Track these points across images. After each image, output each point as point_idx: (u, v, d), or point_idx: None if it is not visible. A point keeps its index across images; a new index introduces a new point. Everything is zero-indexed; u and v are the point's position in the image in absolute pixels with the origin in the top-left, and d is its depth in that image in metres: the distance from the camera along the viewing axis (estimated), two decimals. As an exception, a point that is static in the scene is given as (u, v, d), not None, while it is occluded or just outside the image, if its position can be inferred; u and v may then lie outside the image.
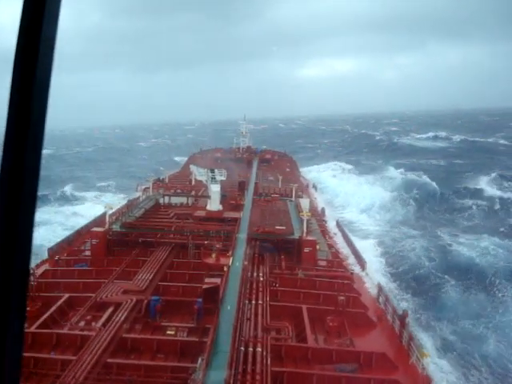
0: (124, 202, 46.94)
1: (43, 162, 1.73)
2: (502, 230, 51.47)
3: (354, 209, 62.61)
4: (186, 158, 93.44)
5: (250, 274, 27.72)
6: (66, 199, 71.12)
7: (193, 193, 50.41)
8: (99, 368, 17.78)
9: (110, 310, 23.17)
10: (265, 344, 19.33)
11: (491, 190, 69.79)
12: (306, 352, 20.54)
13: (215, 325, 19.89)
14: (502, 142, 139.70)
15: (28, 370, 17.76)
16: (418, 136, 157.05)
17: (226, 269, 26.07)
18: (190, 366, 18.05)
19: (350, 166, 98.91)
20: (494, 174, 79.71)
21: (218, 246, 28.49)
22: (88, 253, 33.43)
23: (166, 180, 60.12)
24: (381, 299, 26.97)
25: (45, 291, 25.81)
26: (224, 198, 42.00)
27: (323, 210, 52.05)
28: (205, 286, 23.02)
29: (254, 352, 18.58)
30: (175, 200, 46.84)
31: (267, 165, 78.78)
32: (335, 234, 44.11)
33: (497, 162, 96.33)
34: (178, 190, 53.19)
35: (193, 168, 53.72)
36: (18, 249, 1.70)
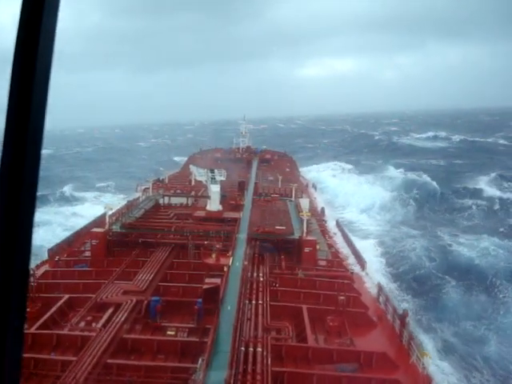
0: (124, 203, 46.91)
1: (43, 162, 1.73)
2: (501, 230, 51.49)
3: (354, 209, 62.58)
4: (185, 158, 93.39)
5: (250, 274, 27.72)
6: (65, 200, 71.09)
7: (193, 193, 50.39)
8: (99, 369, 17.77)
9: (110, 310, 23.16)
10: (265, 344, 19.32)
11: (491, 190, 69.82)
12: (306, 352, 20.53)
13: (215, 325, 19.89)
14: (501, 141, 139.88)
15: (28, 371, 17.76)
16: (418, 136, 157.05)
17: (226, 269, 26.06)
18: (191, 367, 18.05)
19: (349, 166, 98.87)
20: (493, 174, 79.76)
21: (217, 246, 28.47)
22: (88, 253, 33.42)
23: (166, 180, 60.09)
24: (381, 299, 26.97)
25: (45, 292, 25.79)
26: (224, 199, 41.99)
27: (323, 209, 52.04)
28: (205, 287, 23.03)
29: (255, 352, 18.58)
30: (175, 200, 46.85)
31: (267, 165, 78.76)
32: (335, 233, 44.10)
33: (496, 162, 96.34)
34: (178, 191, 53.16)
35: (192, 168, 53.71)
36: (17, 249, 1.70)
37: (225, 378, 15.98)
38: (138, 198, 48.90)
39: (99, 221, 39.06)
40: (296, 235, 33.41)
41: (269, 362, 17.94)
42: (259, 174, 67.31)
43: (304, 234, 32.93)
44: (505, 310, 32.22)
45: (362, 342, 22.12)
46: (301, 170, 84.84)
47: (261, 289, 25.68)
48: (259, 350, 18.75)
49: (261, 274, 28.01)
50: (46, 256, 32.78)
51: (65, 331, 21.95)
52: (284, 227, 34.96)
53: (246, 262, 28.47)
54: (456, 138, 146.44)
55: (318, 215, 47.97)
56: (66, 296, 25.33)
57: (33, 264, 29.75)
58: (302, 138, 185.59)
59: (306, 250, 31.75)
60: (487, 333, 29.14)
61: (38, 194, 1.75)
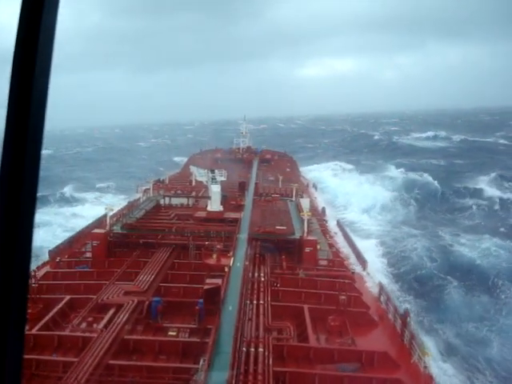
0: (124, 204, 46.95)
1: (43, 162, 1.73)
2: (502, 230, 51.34)
3: (356, 209, 62.49)
4: (185, 159, 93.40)
5: (251, 274, 27.71)
6: (65, 200, 71.04)
7: (193, 194, 50.43)
8: (101, 369, 17.77)
9: (112, 311, 23.16)
10: (266, 344, 19.32)
11: (492, 190, 69.79)
12: (307, 352, 20.52)
13: (217, 325, 19.89)
14: (502, 141, 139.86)
15: (30, 372, 17.76)
16: (418, 135, 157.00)
17: (227, 269, 26.06)
18: (192, 367, 18.03)
19: (350, 166, 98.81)
20: (494, 174, 79.71)
21: (218, 246, 28.48)
22: (89, 254, 33.39)
23: (167, 181, 60.14)
24: (382, 298, 26.96)
25: (46, 293, 25.81)
26: (224, 199, 42.00)
27: (324, 209, 52.04)
28: (206, 287, 23.02)
29: (256, 352, 18.58)
30: (176, 201, 46.84)
31: (267, 165, 78.78)
32: (336, 233, 44.12)
33: (497, 162, 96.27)
34: (179, 191, 53.15)
35: (193, 169, 53.76)
36: (18, 251, 1.69)
37: (226, 378, 15.99)
38: (138, 199, 48.93)
39: (100, 222, 39.09)
40: (297, 235, 33.41)
41: (270, 362, 17.94)
42: (260, 174, 67.34)
43: (305, 234, 32.91)
44: (507, 310, 32.02)
45: (364, 341, 22.11)
46: (301, 169, 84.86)
47: (262, 289, 25.68)
48: (261, 350, 18.75)
49: (262, 274, 28.01)
50: (46, 257, 32.81)
51: (66, 332, 21.95)
52: (285, 227, 34.96)
53: (246, 263, 28.47)
54: (456, 137, 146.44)
55: (318, 215, 47.97)
56: (68, 297, 25.32)
57: (34, 265, 29.80)
58: (302, 137, 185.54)
59: (307, 249, 31.74)
60: (489, 334, 28.96)
61: (38, 194, 1.74)
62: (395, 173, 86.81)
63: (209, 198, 40.99)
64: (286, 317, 23.68)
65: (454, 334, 29.07)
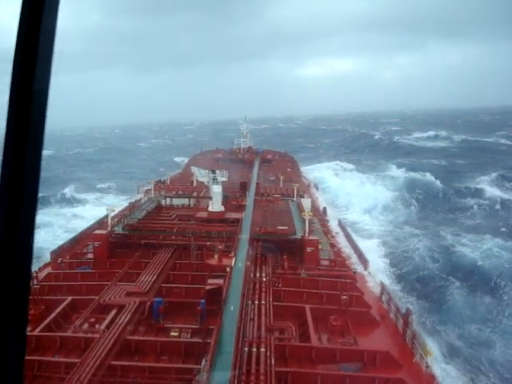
0: (126, 204, 46.96)
1: (43, 162, 1.72)
2: (504, 230, 51.20)
3: (357, 209, 62.40)
4: (185, 159, 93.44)
5: (252, 274, 27.72)
6: (66, 201, 71.06)
7: (194, 194, 50.45)
8: (103, 370, 17.77)
9: (114, 312, 23.17)
10: (268, 344, 19.31)
11: (492, 190, 69.75)
12: (309, 352, 20.50)
13: (219, 326, 19.89)
14: (502, 141, 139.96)
15: (32, 373, 17.76)
16: (419, 135, 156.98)
17: (228, 270, 26.03)
18: (194, 367, 18.02)
19: (351, 166, 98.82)
20: (495, 174, 79.76)
21: (220, 246, 28.49)
22: (90, 255, 33.40)
23: (168, 182, 60.16)
24: (384, 298, 26.92)
25: (48, 294, 25.82)
26: (226, 199, 41.98)
27: (325, 209, 51.99)
28: (208, 287, 22.98)
29: (258, 352, 18.57)
30: (177, 201, 46.85)
31: (268, 165, 78.77)
32: (337, 233, 44.08)
33: (498, 162, 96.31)
34: (180, 192, 53.16)
35: (194, 169, 53.78)
36: (19, 251, 1.69)
37: (228, 378, 15.98)
38: (139, 200, 48.92)
39: (101, 223, 39.11)
40: (298, 235, 33.41)
41: (272, 362, 17.93)
42: (261, 174, 67.39)
43: (306, 234, 32.90)
44: (510, 312, 31.83)
45: (366, 341, 22.09)
46: (302, 169, 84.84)
47: (263, 289, 25.67)
48: (262, 350, 18.73)
49: (263, 275, 28.01)
50: (48, 258, 32.83)
51: (68, 333, 21.97)
52: (286, 227, 34.96)
53: (248, 263, 28.45)
54: (457, 137, 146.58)
55: (319, 215, 47.91)
56: (69, 298, 25.34)
57: (35, 266, 29.83)
58: (303, 137, 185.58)
59: (309, 249, 31.72)
60: (492, 335, 28.78)
61: (39, 195, 1.74)
62: (396, 172, 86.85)
63: (210, 198, 40.98)
64: (287, 317, 23.68)
65: (456, 336, 28.89)
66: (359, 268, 33.38)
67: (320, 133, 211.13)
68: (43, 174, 1.73)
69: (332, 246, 36.78)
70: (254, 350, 18.76)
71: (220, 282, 23.68)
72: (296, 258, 32.14)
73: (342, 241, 41.34)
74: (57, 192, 73.63)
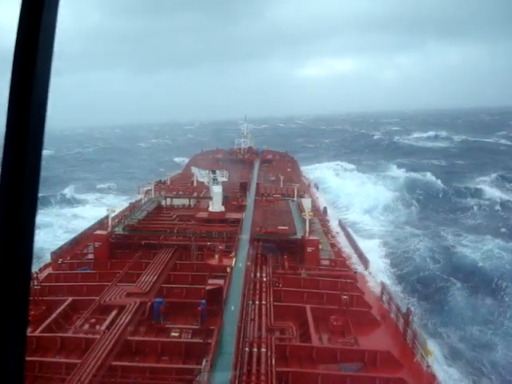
0: (126, 205, 46.98)
1: (43, 162, 1.72)
2: (503, 230, 51.16)
3: (358, 209, 62.36)
4: (186, 159, 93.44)
5: (253, 274, 27.71)
6: (66, 201, 71.02)
7: (195, 194, 50.45)
8: (104, 371, 17.77)
9: (114, 312, 23.16)
10: (269, 344, 19.30)
11: (492, 191, 69.75)
12: (310, 352, 20.50)
13: (219, 326, 19.89)
14: (502, 141, 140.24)
15: (33, 374, 17.76)
16: (419, 135, 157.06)
17: (229, 270, 26.05)
18: (195, 368, 18.01)
19: (352, 166, 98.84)
20: (494, 175, 79.84)
21: (220, 247, 28.49)
22: (91, 256, 33.42)
23: (168, 182, 60.17)
24: (384, 298, 26.91)
25: (48, 295, 25.84)
26: (226, 199, 41.98)
27: (325, 209, 51.99)
28: (208, 288, 22.98)
29: (259, 352, 18.55)
30: (177, 202, 46.87)
31: (268, 165, 78.77)
32: (337, 233, 44.07)
33: (498, 162, 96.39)
34: (180, 192, 53.18)
35: (194, 169, 53.82)
36: (19, 252, 1.69)
37: (229, 378, 15.98)
38: (140, 200, 48.92)
39: (102, 223, 39.12)
40: (298, 235, 33.42)
41: (273, 362, 17.92)
42: (261, 174, 67.39)
43: (306, 234, 32.90)
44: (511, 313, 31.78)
45: (366, 341, 22.08)
46: (302, 169, 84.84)
47: (264, 289, 25.66)
48: (263, 350, 18.72)
49: (264, 275, 27.99)
50: (48, 259, 32.84)
51: (69, 334, 21.96)
52: (286, 227, 34.96)
53: (248, 263, 28.45)
54: (457, 137, 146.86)
55: (320, 215, 47.91)
56: (70, 299, 25.35)
57: (36, 267, 29.85)
58: (303, 137, 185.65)
59: (309, 249, 31.72)
60: (494, 337, 28.66)
61: (39, 195, 1.73)
62: (397, 172, 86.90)
63: (210, 198, 40.98)
64: (288, 317, 23.67)
65: (458, 338, 28.78)
66: (360, 268, 33.37)
67: (320, 133, 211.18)
68: (43, 174, 1.73)
69: (332, 245, 36.78)
70: (255, 350, 18.74)
71: (220, 282, 23.67)
72: (296, 257, 32.14)
73: (342, 241, 41.33)
74: (57, 192, 73.57)
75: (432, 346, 23.47)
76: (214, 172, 42.45)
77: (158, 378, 18.22)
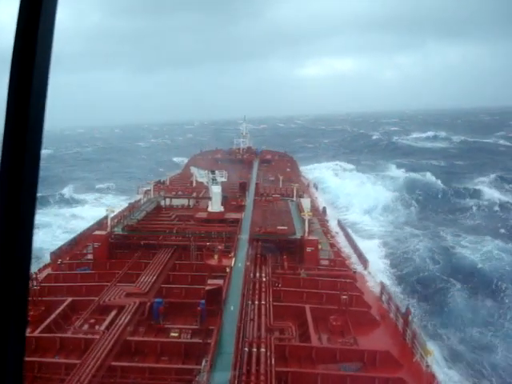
0: (125, 205, 46.97)
1: (42, 162, 1.71)
2: (503, 231, 51.12)
3: (357, 210, 62.32)
4: (185, 159, 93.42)
5: (252, 274, 27.70)
6: (65, 201, 70.85)
7: (194, 194, 50.45)
8: (103, 371, 17.77)
9: (114, 313, 23.15)
10: (268, 344, 19.29)
11: (491, 192, 69.73)
12: (309, 352, 20.50)
13: (219, 326, 19.88)
14: (502, 141, 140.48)
15: (32, 375, 17.76)
16: (418, 136, 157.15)
17: (228, 270, 26.04)
18: (195, 368, 18.02)
19: (351, 166, 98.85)
20: (493, 176, 79.88)
21: (220, 247, 28.46)
22: (90, 256, 33.41)
23: (167, 182, 60.17)
24: (384, 297, 26.92)
25: (48, 295, 25.83)
26: (225, 199, 41.97)
27: (324, 209, 52.02)
28: (207, 288, 23.00)
29: (258, 352, 18.55)
30: (176, 202, 46.87)
31: (268, 165, 78.78)
32: (337, 233, 44.11)
33: (497, 163, 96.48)
34: (180, 192, 53.19)
35: (193, 170, 53.78)
36: (18, 252, 1.68)
37: (229, 378, 15.98)
38: (139, 200, 48.93)
39: (101, 223, 39.11)
40: (298, 235, 33.41)
41: (272, 362, 17.92)
42: (260, 174, 67.37)
43: (306, 234, 32.91)
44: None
45: (366, 340, 22.08)
46: (301, 169, 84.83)
47: (263, 289, 25.66)
48: (263, 350, 18.72)
49: (263, 275, 27.99)
50: (47, 259, 32.82)
51: (68, 334, 21.95)
52: (286, 227, 34.96)
53: (248, 263, 28.45)
54: (456, 138, 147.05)
55: (319, 215, 47.94)
56: (69, 299, 25.33)
57: (35, 267, 29.83)
58: (302, 137, 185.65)
59: (308, 249, 31.73)
60: (494, 339, 28.56)
61: (38, 195, 1.73)
62: (396, 172, 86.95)
63: (209, 198, 40.97)
64: (287, 317, 23.67)
65: (458, 340, 28.69)
66: (359, 268, 33.39)
67: (319, 133, 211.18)
68: (42, 174, 1.72)
69: (332, 245, 36.79)
70: (254, 350, 18.75)
71: (220, 282, 23.68)
72: (296, 257, 32.14)
73: (341, 241, 41.37)
74: (56, 192, 73.38)
75: (432, 347, 23.50)
76: (213, 172, 42.43)
77: (158, 378, 18.22)
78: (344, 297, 24.18)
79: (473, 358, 26.70)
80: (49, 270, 30.67)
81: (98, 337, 20.29)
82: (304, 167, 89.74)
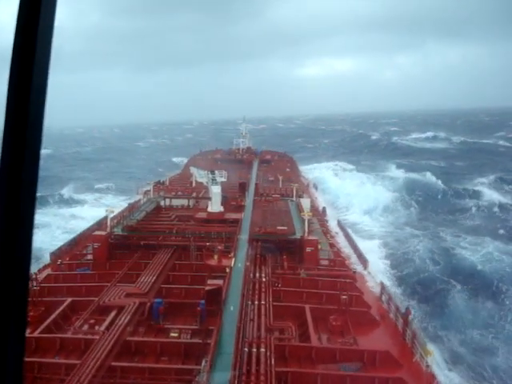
0: (125, 205, 46.96)
1: (42, 162, 1.71)
2: (502, 232, 51.09)
3: (357, 210, 62.31)
4: (184, 159, 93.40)
5: (252, 274, 27.69)
6: (65, 201, 70.76)
7: (194, 195, 50.44)
8: (103, 371, 17.76)
9: (113, 313, 23.15)
10: (268, 344, 19.29)
11: (491, 193, 69.80)
12: (309, 352, 20.50)
13: (218, 326, 19.88)
14: (501, 142, 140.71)
15: (32, 375, 17.75)
16: (418, 136, 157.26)
17: (228, 270, 26.03)
18: (194, 368, 18.02)
19: (350, 166, 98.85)
20: (493, 177, 79.94)
21: (219, 247, 28.47)
22: (90, 256, 33.40)
23: (167, 182, 60.17)
24: (384, 297, 26.92)
25: (47, 296, 25.82)
26: (225, 200, 41.97)
27: (324, 209, 52.03)
28: (207, 288, 23.01)
29: (258, 353, 18.55)
30: (176, 202, 46.87)
31: (267, 165, 78.78)
32: (337, 233, 44.12)
33: (497, 164, 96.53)
34: (179, 192, 53.18)
35: (193, 170, 53.76)
36: (17, 252, 1.68)
37: (228, 379, 15.97)
38: (139, 201, 48.92)
39: (101, 224, 39.09)
40: (298, 235, 33.40)
41: (272, 362, 17.92)
42: (260, 174, 67.37)
43: (306, 234, 32.90)
44: None
45: (365, 340, 22.08)
46: (301, 169, 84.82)
47: (263, 289, 25.65)
48: (262, 350, 18.72)
49: (263, 275, 27.98)
50: (47, 259, 32.81)
51: (68, 335, 21.94)
52: (285, 227, 34.95)
53: (248, 263, 28.45)
54: (456, 139, 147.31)
55: (319, 215, 47.95)
56: (69, 299, 25.32)
57: (35, 268, 29.81)
58: (302, 137, 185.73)
59: (308, 249, 31.72)
60: (495, 341, 28.49)
61: (37, 195, 1.72)
62: (396, 173, 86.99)
63: (209, 198, 40.96)
64: (287, 317, 23.66)
65: (458, 341, 28.61)
66: (359, 268, 33.39)
67: (319, 133, 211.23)
68: (41, 174, 1.72)
69: (331, 245, 36.80)
70: (254, 350, 18.74)
71: (220, 282, 23.69)
72: (295, 257, 32.13)
73: (341, 241, 41.37)
74: (55, 192, 73.28)
75: (432, 349, 23.47)
76: (212, 172, 42.43)
77: (158, 378, 18.22)
78: (344, 297, 24.19)
79: (473, 360, 26.61)
80: (48, 271, 30.66)
81: (97, 337, 20.28)
82: (304, 167, 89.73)
